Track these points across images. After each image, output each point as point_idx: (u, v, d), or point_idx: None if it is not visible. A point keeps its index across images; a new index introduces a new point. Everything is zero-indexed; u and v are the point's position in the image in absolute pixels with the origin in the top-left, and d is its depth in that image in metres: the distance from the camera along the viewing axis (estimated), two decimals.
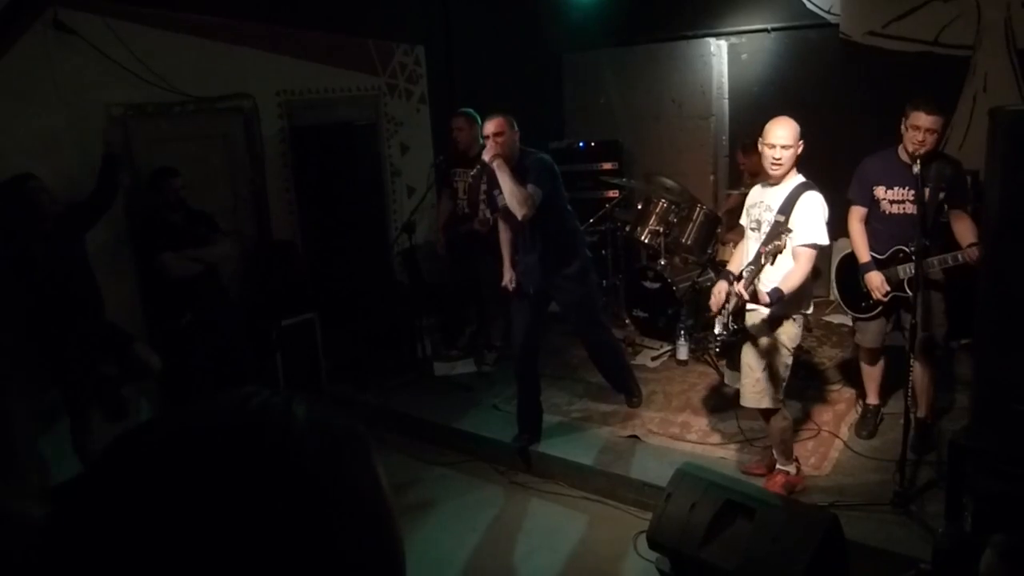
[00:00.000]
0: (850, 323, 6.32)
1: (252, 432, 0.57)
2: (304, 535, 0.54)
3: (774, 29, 7.07)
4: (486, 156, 4.36)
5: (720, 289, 3.85)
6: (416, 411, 5.48)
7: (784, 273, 3.69)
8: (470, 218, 5.85)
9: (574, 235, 4.75)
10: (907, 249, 4.16)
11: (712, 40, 7.34)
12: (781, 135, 3.78)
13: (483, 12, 7.24)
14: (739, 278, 3.69)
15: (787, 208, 3.73)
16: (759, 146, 3.92)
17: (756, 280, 3.61)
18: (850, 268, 4.50)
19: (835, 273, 4.84)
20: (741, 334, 3.82)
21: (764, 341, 3.84)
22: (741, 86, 7.38)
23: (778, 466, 4.16)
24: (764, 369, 3.84)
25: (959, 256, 3.99)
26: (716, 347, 4.10)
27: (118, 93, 5.00)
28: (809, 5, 6.80)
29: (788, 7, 6.91)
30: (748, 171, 6.44)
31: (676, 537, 3.40)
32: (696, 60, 7.42)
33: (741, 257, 4.03)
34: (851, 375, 5.40)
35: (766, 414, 3.99)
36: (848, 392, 5.26)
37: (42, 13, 4.64)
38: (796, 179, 3.84)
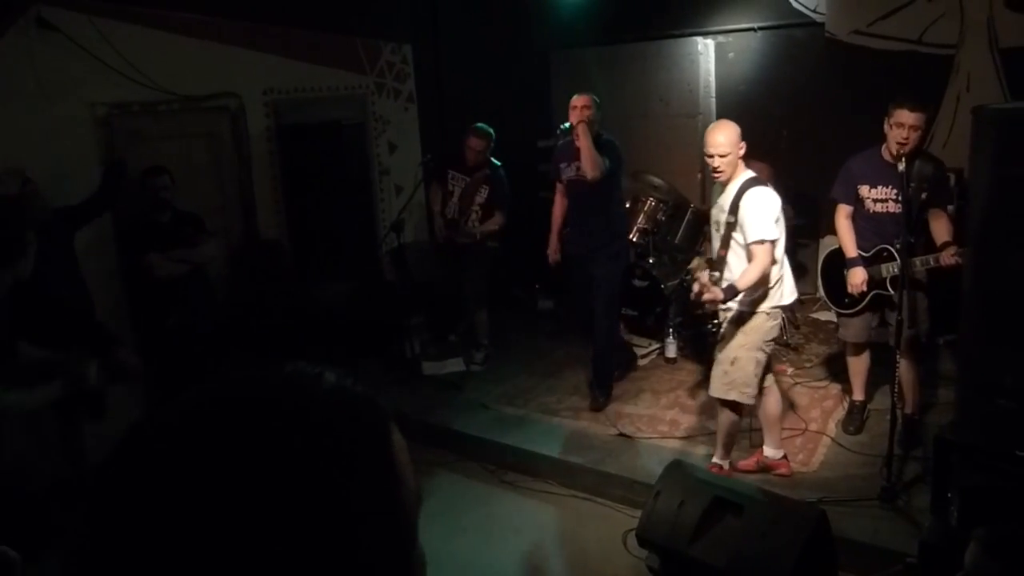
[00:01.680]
0: (836, 320, 6.41)
1: (282, 393, 0.62)
2: (320, 492, 0.57)
3: (760, 28, 7.09)
4: (573, 120, 4.87)
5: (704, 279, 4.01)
6: (404, 410, 5.47)
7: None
8: (457, 223, 5.90)
9: (621, 218, 5.41)
10: (891, 248, 4.21)
11: (699, 39, 7.36)
12: (718, 142, 3.81)
13: (471, 10, 7.23)
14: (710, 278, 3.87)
15: (735, 207, 3.81)
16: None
17: (717, 280, 3.79)
18: (835, 264, 4.55)
19: (820, 269, 4.91)
20: (717, 328, 3.98)
21: (733, 335, 3.94)
22: (728, 85, 7.40)
23: (715, 459, 4.23)
24: (732, 362, 3.93)
25: (940, 258, 4.03)
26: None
27: (103, 91, 4.97)
28: (795, 4, 6.82)
29: (774, 6, 6.94)
30: None
31: (665, 534, 3.41)
32: (683, 59, 7.44)
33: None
34: (838, 372, 5.43)
35: (725, 405, 4.06)
36: (835, 388, 5.29)
37: (25, 11, 4.60)
38: (742, 177, 3.88)
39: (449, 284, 6.29)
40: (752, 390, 3.96)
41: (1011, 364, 3.51)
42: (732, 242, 3.84)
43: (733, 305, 3.89)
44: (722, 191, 3.98)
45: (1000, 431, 3.34)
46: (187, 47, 5.43)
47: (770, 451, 4.28)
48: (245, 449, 0.56)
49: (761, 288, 3.84)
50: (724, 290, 3.72)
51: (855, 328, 4.54)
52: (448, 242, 5.97)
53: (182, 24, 5.40)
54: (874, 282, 4.29)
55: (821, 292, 5.23)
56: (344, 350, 5.92)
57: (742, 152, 3.84)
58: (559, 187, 5.35)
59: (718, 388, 4.03)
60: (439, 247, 6.15)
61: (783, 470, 4.23)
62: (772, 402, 4.19)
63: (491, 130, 5.78)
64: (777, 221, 3.79)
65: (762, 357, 3.95)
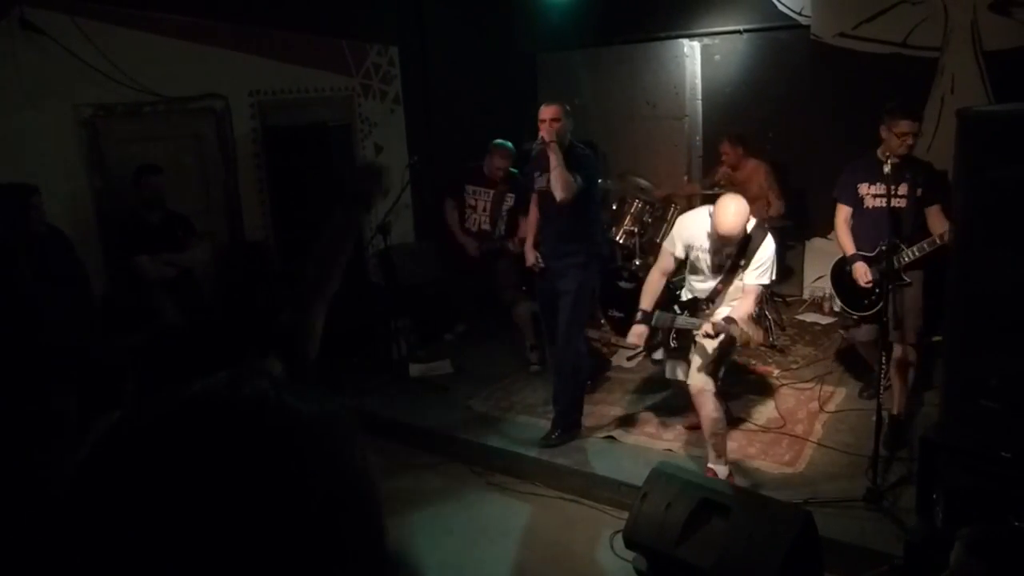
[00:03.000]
0: (823, 322, 6.44)
1: (249, 418, 0.62)
2: (294, 511, 0.58)
3: (746, 30, 7.12)
4: (545, 137, 4.52)
5: (654, 291, 4.32)
6: (391, 412, 5.45)
7: (736, 301, 4.08)
8: (490, 234, 6.00)
9: (595, 227, 4.97)
10: (894, 242, 4.38)
11: (685, 41, 7.38)
12: (731, 229, 3.92)
13: (457, 12, 7.23)
14: (697, 308, 4.16)
15: (747, 251, 4.02)
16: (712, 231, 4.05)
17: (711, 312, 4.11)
18: (844, 271, 4.72)
19: (831, 280, 5.00)
20: (676, 347, 4.29)
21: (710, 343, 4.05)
22: (714, 87, 7.43)
23: (708, 464, 4.19)
24: (707, 350, 4.06)
25: (936, 241, 4.23)
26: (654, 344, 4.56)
27: (87, 93, 4.94)
28: (780, 7, 6.86)
29: (760, 9, 6.97)
30: (729, 163, 6.50)
31: (652, 536, 3.41)
32: (669, 61, 7.45)
33: (654, 292, 4.35)
34: (824, 373, 5.47)
35: (702, 406, 4.09)
36: (821, 390, 5.31)
37: (8, 12, 4.56)
38: (750, 223, 4.04)
39: (446, 287, 6.31)
40: (718, 383, 4.12)
41: (996, 365, 3.53)
42: (733, 281, 4.10)
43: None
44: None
45: (985, 432, 3.36)
46: (172, 49, 5.40)
47: (714, 464, 4.18)
48: (208, 453, 0.58)
49: None
50: (725, 319, 3.89)
51: (864, 330, 4.72)
52: (482, 254, 6.04)
53: (167, 26, 5.37)
54: (891, 275, 4.31)
55: (838, 303, 5.30)
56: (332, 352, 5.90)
57: (748, 220, 3.98)
58: (534, 197, 5.09)
59: (695, 377, 4.10)
60: (468, 260, 6.14)
61: None
62: (713, 408, 4.11)
63: (511, 145, 5.87)
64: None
65: (728, 353, 4.17)
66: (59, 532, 0.59)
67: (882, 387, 4.05)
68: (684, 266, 4.38)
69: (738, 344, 4.01)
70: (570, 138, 4.69)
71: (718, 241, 4.01)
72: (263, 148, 6.08)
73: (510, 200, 5.95)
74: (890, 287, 4.25)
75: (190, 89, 5.52)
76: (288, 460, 0.60)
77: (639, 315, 4.32)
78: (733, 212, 3.89)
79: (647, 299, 4.33)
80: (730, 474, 4.22)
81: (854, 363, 5.34)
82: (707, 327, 3.87)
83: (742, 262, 4.02)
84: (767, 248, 4.01)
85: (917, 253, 4.32)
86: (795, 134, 6.73)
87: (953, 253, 3.88)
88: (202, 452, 0.58)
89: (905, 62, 6.21)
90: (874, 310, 4.53)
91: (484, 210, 6.01)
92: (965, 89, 5.98)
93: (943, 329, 4.14)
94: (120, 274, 4.88)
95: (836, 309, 6.06)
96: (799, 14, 6.75)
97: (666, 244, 4.40)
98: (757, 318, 4.30)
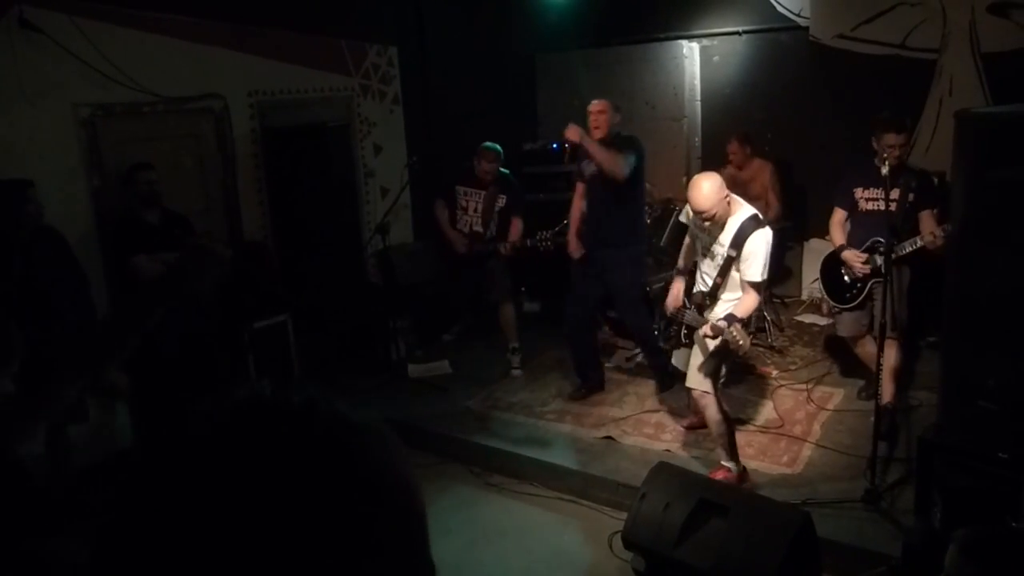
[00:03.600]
0: (821, 323, 6.46)
1: (308, 426, 0.61)
2: (351, 517, 0.58)
3: (745, 32, 7.13)
4: (571, 136, 4.89)
5: (677, 292, 4.37)
6: (390, 412, 5.44)
7: (736, 296, 4.03)
8: (481, 235, 5.92)
9: (641, 219, 5.32)
10: (882, 240, 4.50)
11: (684, 42, 7.38)
12: (703, 207, 3.90)
13: (456, 13, 7.22)
14: (703, 302, 4.13)
15: (738, 243, 3.95)
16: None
17: (708, 304, 4.13)
18: (832, 264, 4.90)
19: (821, 271, 5.12)
20: (688, 341, 4.26)
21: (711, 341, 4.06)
22: (713, 88, 7.44)
23: (721, 462, 4.23)
24: (706, 351, 4.08)
25: (918, 241, 4.42)
26: (667, 336, 4.61)
27: (86, 93, 4.93)
28: (779, 8, 6.87)
29: (759, 10, 6.98)
30: (736, 163, 6.51)
31: (651, 537, 3.41)
32: (668, 62, 7.46)
33: (690, 254, 4.41)
34: (823, 374, 5.47)
35: (705, 408, 4.11)
36: (819, 391, 5.31)
37: (7, 11, 4.55)
38: (744, 214, 4.00)
39: (444, 287, 6.29)
40: (717, 384, 4.13)
41: (993, 366, 3.54)
42: (730, 274, 4.05)
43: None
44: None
45: (983, 433, 3.37)
46: (171, 48, 5.39)
47: (725, 462, 4.24)
48: (269, 460, 0.58)
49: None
50: (726, 317, 3.86)
51: (846, 324, 4.88)
52: (472, 254, 5.98)
53: (166, 25, 5.36)
54: (872, 272, 4.61)
55: (822, 292, 5.45)
56: (333, 353, 5.92)
57: (727, 198, 3.93)
58: (579, 187, 5.35)
59: (696, 379, 4.10)
60: (458, 259, 6.12)
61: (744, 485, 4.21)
62: (715, 409, 4.16)
63: (499, 147, 5.86)
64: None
65: (728, 353, 4.13)
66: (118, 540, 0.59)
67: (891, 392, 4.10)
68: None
69: (730, 346, 3.99)
70: (617, 130, 5.03)
71: (698, 218, 4.00)
72: (262, 148, 6.08)
73: (502, 201, 5.92)
74: (878, 281, 4.46)
75: (189, 89, 5.51)
76: (346, 466, 0.60)
77: (674, 271, 4.56)
78: (706, 188, 3.87)
79: (681, 260, 4.54)
80: (744, 470, 4.23)
81: (853, 364, 5.35)
82: (706, 328, 3.90)
83: (734, 253, 3.97)
84: (755, 239, 3.91)
85: (900, 253, 4.43)
86: (794, 135, 6.75)
87: (951, 254, 3.89)
88: (265, 459, 0.58)
89: (903, 64, 6.22)
90: (856, 302, 4.74)
91: (475, 211, 5.98)
92: (963, 91, 5.99)
93: (941, 330, 4.16)
94: (118, 273, 4.87)
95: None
96: (798, 15, 6.77)
97: (681, 217, 4.59)
98: (746, 323, 4.27)
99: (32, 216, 4.13)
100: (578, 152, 5.09)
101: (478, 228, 5.97)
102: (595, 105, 5.03)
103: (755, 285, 3.95)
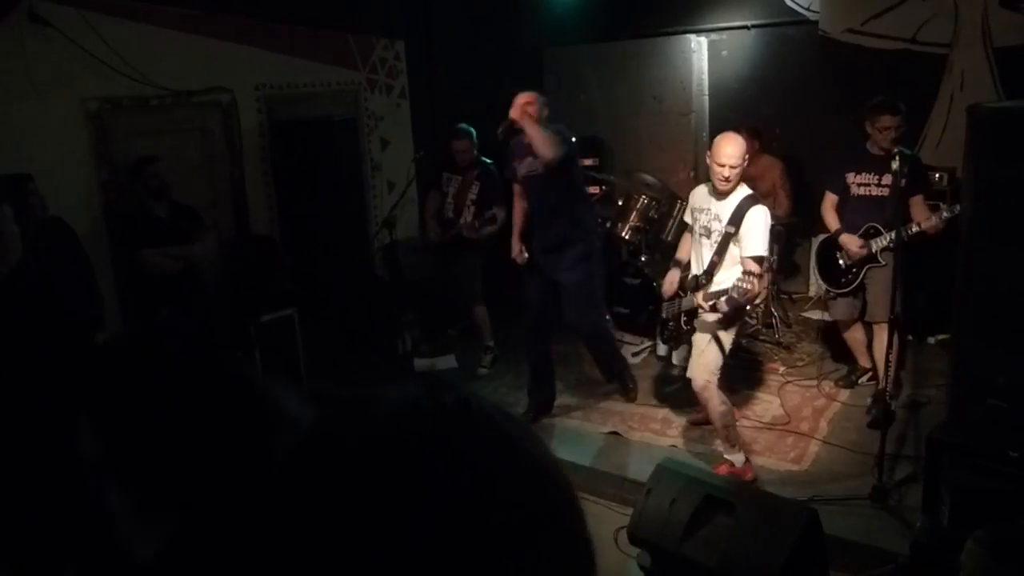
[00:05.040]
0: (828, 319, 6.42)
1: (471, 428, 0.60)
2: (513, 517, 0.55)
3: (754, 26, 7.09)
4: (514, 115, 4.50)
5: (672, 279, 4.35)
6: None
7: (733, 276, 3.87)
8: (454, 222, 5.89)
9: (588, 212, 5.00)
10: (877, 225, 4.69)
11: (692, 36, 7.34)
12: (731, 154, 3.92)
13: (463, 6, 7.21)
14: (698, 284, 4.09)
15: (736, 220, 3.95)
16: (707, 160, 4.06)
17: (704, 286, 4.06)
18: (827, 250, 4.98)
19: (815, 256, 5.18)
20: (688, 328, 4.24)
21: (712, 327, 4.08)
22: (721, 82, 7.40)
23: (725, 455, 4.24)
24: (708, 343, 4.09)
25: (911, 229, 4.44)
26: (666, 336, 4.56)
27: (94, 86, 4.94)
28: (789, 2, 6.82)
29: (768, 4, 6.94)
30: None
31: (656, 532, 3.40)
32: (676, 56, 7.42)
33: (688, 247, 4.38)
34: (830, 370, 5.45)
35: (708, 400, 4.10)
36: (827, 387, 5.30)
37: (17, 4, 4.56)
38: (743, 191, 4.03)
39: (443, 281, 6.27)
40: (718, 374, 4.10)
41: (1003, 364, 3.52)
42: (728, 251, 4.02)
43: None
44: (714, 198, 4.10)
45: (992, 431, 3.35)
46: (179, 42, 5.39)
47: (729, 455, 4.25)
48: (436, 463, 0.56)
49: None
50: (727, 300, 3.80)
51: (839, 308, 4.98)
52: (445, 241, 5.96)
53: (174, 19, 5.36)
54: (867, 257, 4.69)
55: (816, 277, 5.55)
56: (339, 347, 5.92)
57: (746, 164, 4.01)
58: (517, 189, 5.09)
59: (698, 371, 4.10)
60: (436, 247, 6.13)
61: (742, 477, 4.19)
62: (718, 401, 4.16)
63: (472, 129, 5.82)
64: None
65: (730, 342, 4.13)
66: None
67: (888, 379, 4.07)
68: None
69: (738, 297, 3.78)
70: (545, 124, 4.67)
71: (717, 169, 3.93)
72: (269, 142, 6.08)
73: (475, 189, 5.84)
74: (873, 266, 4.65)
75: (197, 83, 5.51)
76: (522, 464, 0.58)
77: (672, 263, 4.53)
78: (736, 141, 3.96)
79: (680, 252, 4.53)
80: (747, 462, 4.22)
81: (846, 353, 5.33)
82: (699, 297, 3.97)
83: (732, 230, 3.96)
84: (754, 214, 3.91)
85: (892, 239, 4.43)
86: (803, 130, 6.71)
87: (962, 250, 3.86)
88: (430, 464, 0.55)
89: (914, 58, 6.17)
90: (850, 287, 4.81)
91: (453, 197, 5.95)
92: (975, 86, 5.94)
93: (951, 327, 4.14)
94: (127, 266, 4.88)
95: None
96: (807, 9, 6.72)
97: (685, 216, 4.56)
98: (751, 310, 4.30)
99: (34, 208, 4.13)
100: (510, 134, 4.68)
101: (450, 215, 5.94)
102: (520, 97, 4.64)
103: (757, 259, 3.89)
